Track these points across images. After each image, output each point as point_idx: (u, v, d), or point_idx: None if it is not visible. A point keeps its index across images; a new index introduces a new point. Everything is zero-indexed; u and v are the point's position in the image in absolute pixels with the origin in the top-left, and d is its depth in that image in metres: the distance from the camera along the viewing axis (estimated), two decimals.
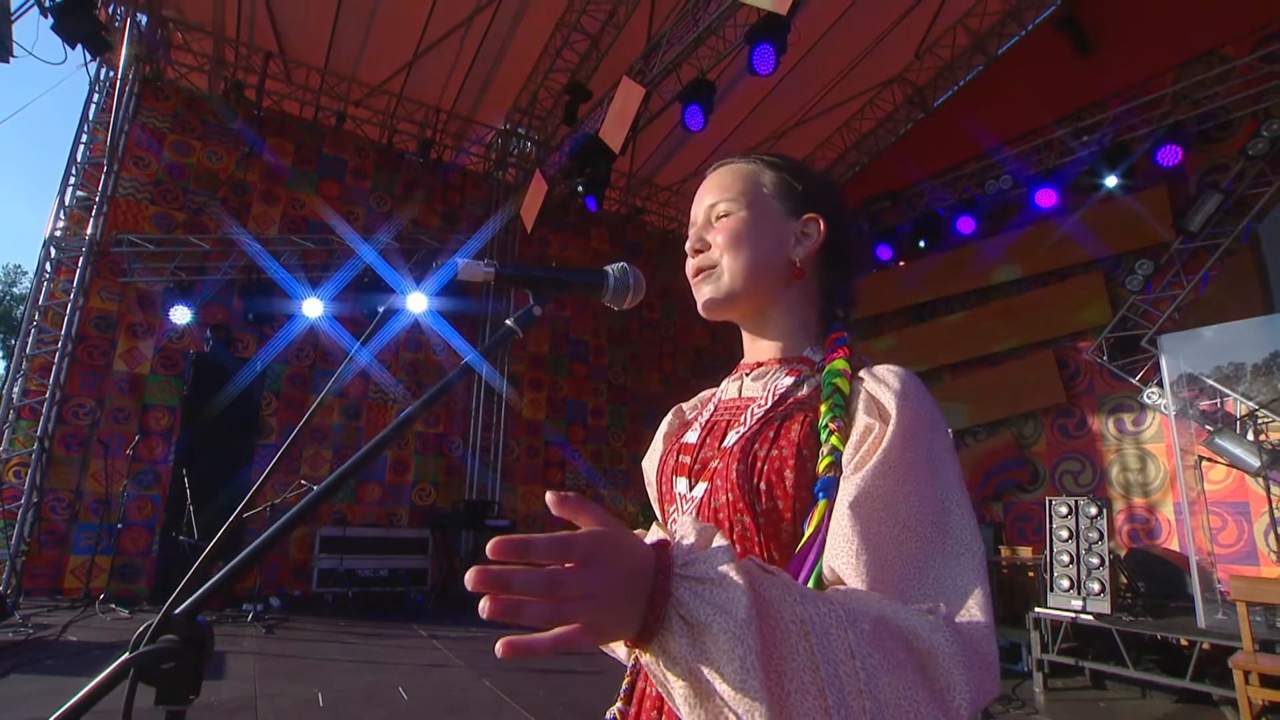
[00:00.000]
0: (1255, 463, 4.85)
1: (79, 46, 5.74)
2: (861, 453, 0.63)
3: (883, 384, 0.68)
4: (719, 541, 0.51)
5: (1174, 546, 6.41)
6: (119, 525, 6.34)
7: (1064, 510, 4.66)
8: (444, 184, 9.41)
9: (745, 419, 0.76)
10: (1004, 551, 6.55)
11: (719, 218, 0.83)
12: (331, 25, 7.75)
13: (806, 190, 0.84)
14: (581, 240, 10.36)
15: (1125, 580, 4.94)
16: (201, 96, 8.05)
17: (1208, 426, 5.78)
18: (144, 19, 7.27)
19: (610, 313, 10.30)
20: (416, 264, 8.53)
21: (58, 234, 6.91)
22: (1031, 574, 6.09)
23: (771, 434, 0.71)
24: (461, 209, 9.50)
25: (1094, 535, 4.44)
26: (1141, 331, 6.90)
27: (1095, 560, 4.40)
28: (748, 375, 0.83)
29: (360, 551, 6.93)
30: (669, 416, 0.94)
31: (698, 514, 0.73)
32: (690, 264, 0.85)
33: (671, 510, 0.80)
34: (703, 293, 0.83)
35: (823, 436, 0.66)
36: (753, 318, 0.84)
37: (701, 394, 0.93)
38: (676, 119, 6.57)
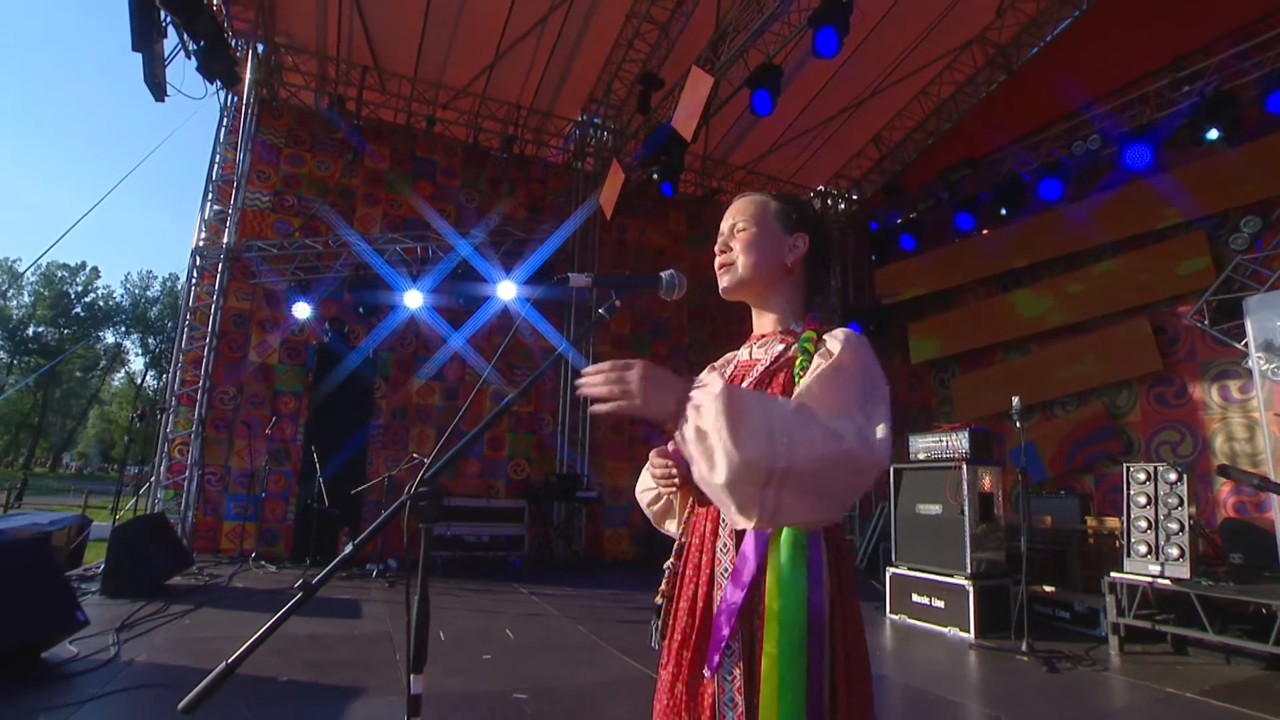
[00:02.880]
0: None
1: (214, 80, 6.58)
2: (807, 375, 0.97)
3: (832, 337, 1.02)
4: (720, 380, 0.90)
5: None
6: (262, 495, 7.29)
7: (1142, 476, 4.62)
8: (527, 177, 9.95)
9: (753, 373, 1.09)
10: (1090, 522, 6.43)
11: (738, 231, 1.18)
12: (419, 35, 8.36)
13: (799, 217, 1.18)
14: (660, 223, 10.66)
15: (1214, 548, 4.84)
16: (309, 112, 8.89)
17: None
18: (261, 47, 8.12)
19: (692, 291, 10.55)
20: (506, 254, 9.11)
21: (200, 244, 7.90)
22: (1118, 543, 5.98)
23: (767, 381, 1.05)
24: (544, 200, 10.01)
25: (1173, 501, 4.40)
26: (1249, 293, 6.52)
27: (1174, 526, 4.36)
28: (755, 344, 1.18)
29: (464, 520, 7.65)
30: (704, 373, 1.29)
31: None
32: (717, 260, 1.20)
33: None
34: (723, 279, 1.19)
35: (796, 380, 0.99)
36: (756, 300, 1.20)
37: (726, 355, 1.28)
38: (748, 101, 6.73)
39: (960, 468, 5.07)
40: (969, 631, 4.78)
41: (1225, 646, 4.20)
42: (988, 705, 3.47)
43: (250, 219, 8.32)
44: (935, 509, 5.24)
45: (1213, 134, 6.64)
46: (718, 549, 1.03)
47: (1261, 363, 6.17)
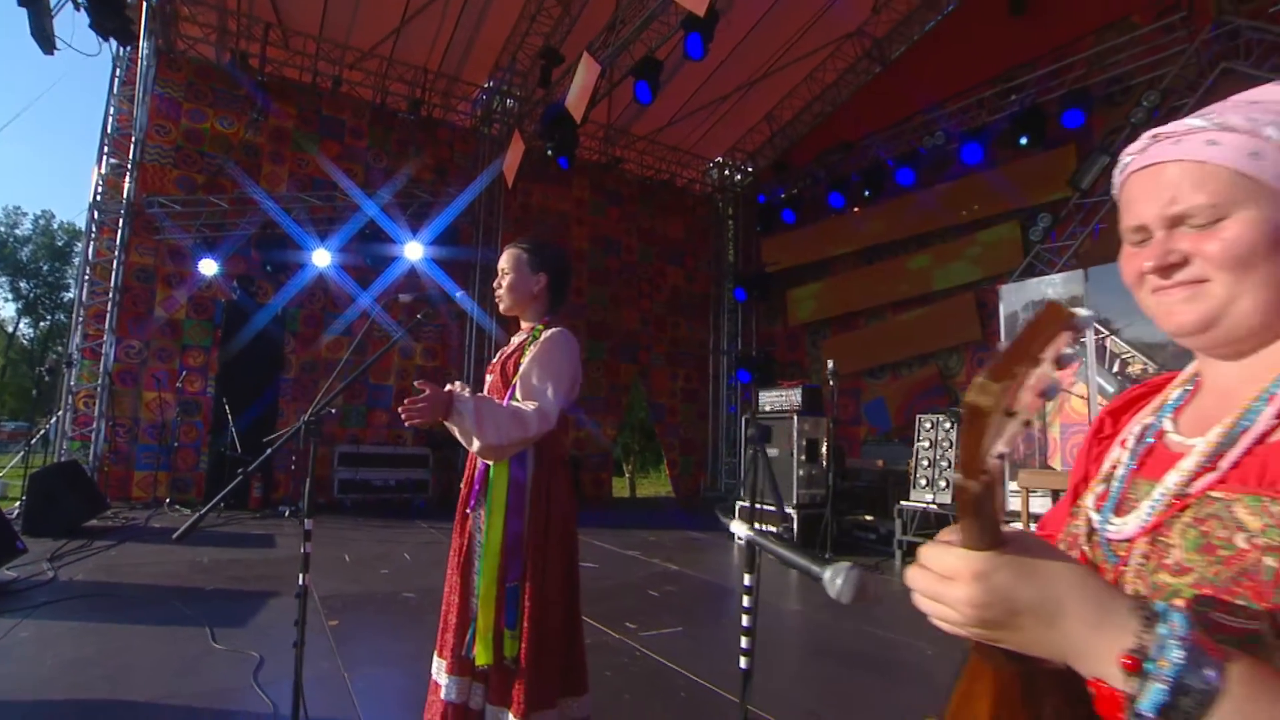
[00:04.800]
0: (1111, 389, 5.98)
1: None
2: (527, 359, 1.80)
3: (547, 334, 1.83)
4: (468, 393, 1.68)
5: (1055, 463, 7.62)
6: (174, 445, 7.66)
7: (928, 425, 5.84)
8: (434, 140, 10.26)
9: (508, 351, 1.91)
10: (911, 464, 7.77)
11: (505, 274, 1.97)
12: None
13: (540, 260, 1.97)
14: (564, 189, 11.23)
15: None
16: (210, 65, 8.86)
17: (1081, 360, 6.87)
18: None
19: (593, 255, 11.16)
20: (413, 215, 9.51)
21: (99, 198, 7.93)
22: None
23: (510, 356, 1.87)
24: (451, 163, 10.38)
25: (947, 444, 5.63)
26: (1044, 276, 7.89)
27: (945, 463, 5.61)
28: (515, 335, 1.98)
29: (372, 465, 8.29)
30: (495, 358, 2.09)
31: (489, 388, 1.90)
32: (496, 291, 1.98)
33: (487, 389, 1.99)
34: (500, 305, 1.97)
35: (525, 354, 1.82)
36: (519, 314, 2.00)
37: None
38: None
39: (793, 418, 6.16)
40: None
41: None
42: (775, 597, 4.57)
43: (151, 174, 8.36)
44: (774, 452, 6.34)
45: (1024, 140, 7.87)
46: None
47: None
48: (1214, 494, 0.61)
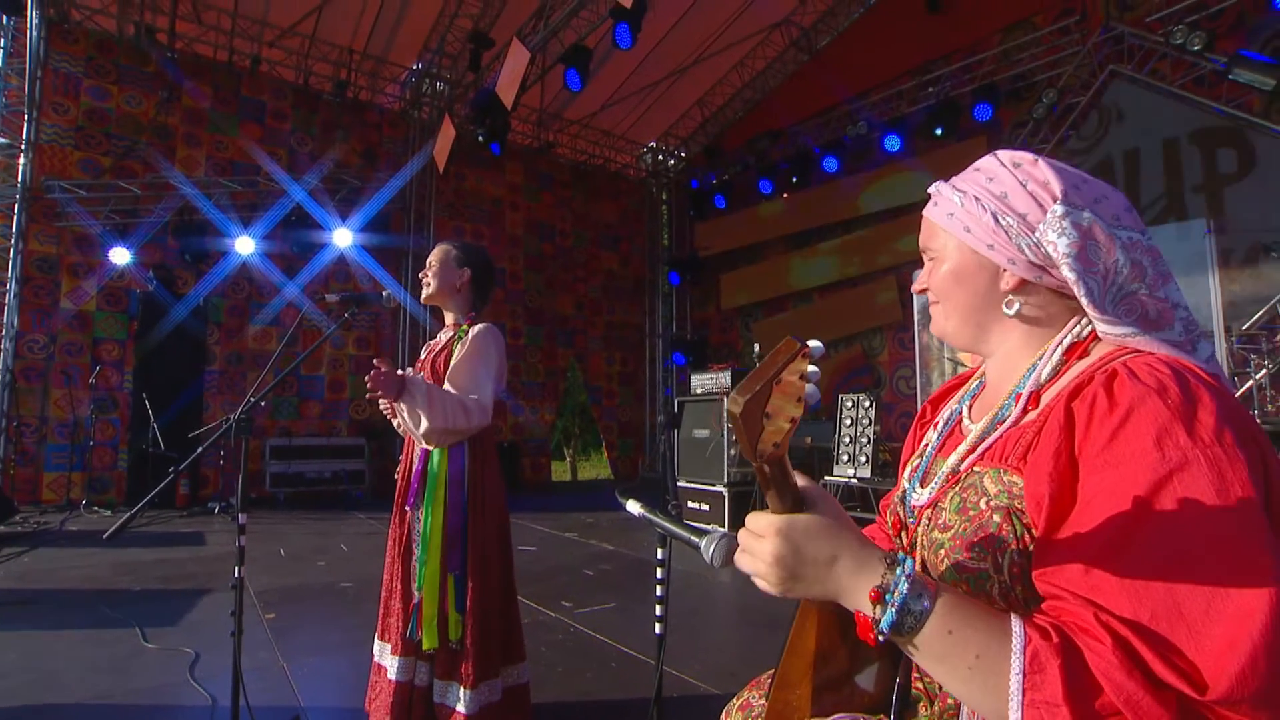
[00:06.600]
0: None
1: None
2: (456, 356, 1.91)
3: (473, 332, 1.93)
4: (420, 376, 1.79)
5: None
6: (90, 444, 7.31)
7: (849, 404, 6.19)
8: (362, 123, 9.97)
9: (436, 349, 2.01)
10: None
11: (431, 265, 2.06)
12: None
13: (465, 258, 2.07)
14: (496, 174, 11.11)
15: (888, 455, 6.60)
16: (112, 39, 8.33)
17: None
18: None
19: (528, 240, 11.11)
20: (341, 201, 9.26)
21: None
22: None
23: (440, 352, 1.97)
24: (380, 147, 10.12)
25: (865, 422, 5.99)
26: None
27: (864, 439, 5.97)
28: (442, 331, 2.09)
29: (306, 457, 8.13)
30: (422, 352, 2.18)
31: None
32: (422, 279, 2.07)
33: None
34: (424, 293, 2.06)
35: (454, 352, 1.92)
36: (442, 305, 2.11)
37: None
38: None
39: (723, 400, 6.41)
40: (724, 526, 6.21)
41: None
42: (709, 571, 4.81)
43: (49, 155, 7.84)
44: (705, 433, 6.59)
45: (939, 131, 8.31)
46: (416, 445, 1.96)
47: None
48: (976, 469, 0.81)
